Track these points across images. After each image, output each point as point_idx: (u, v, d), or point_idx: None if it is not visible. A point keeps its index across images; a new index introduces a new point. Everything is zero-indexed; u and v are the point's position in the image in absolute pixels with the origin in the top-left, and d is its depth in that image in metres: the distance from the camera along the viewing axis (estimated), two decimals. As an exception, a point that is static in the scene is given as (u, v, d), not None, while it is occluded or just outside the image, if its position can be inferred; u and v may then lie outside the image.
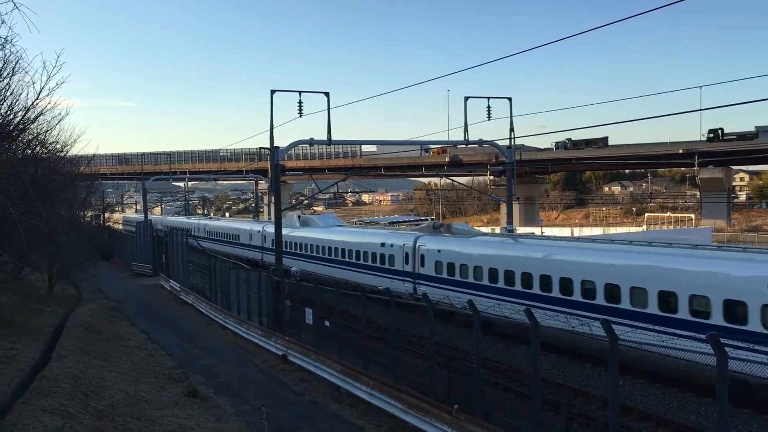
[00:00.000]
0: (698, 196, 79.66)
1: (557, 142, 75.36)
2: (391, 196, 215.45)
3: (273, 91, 28.59)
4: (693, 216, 76.70)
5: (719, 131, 66.07)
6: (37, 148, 25.01)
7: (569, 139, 73.21)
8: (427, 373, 16.73)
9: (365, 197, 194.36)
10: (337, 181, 47.93)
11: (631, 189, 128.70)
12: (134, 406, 15.04)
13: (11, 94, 17.74)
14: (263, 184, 74.99)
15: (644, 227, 72.77)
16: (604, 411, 14.49)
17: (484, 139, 33.66)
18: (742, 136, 65.15)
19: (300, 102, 28.99)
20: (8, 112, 18.23)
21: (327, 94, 29.09)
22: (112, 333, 26.85)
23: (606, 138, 72.60)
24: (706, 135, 65.94)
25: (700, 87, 57.36)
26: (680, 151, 65.46)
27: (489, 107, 31.87)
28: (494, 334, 23.42)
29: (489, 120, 32.01)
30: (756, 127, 62.59)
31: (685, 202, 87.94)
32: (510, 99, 32.54)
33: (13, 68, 16.26)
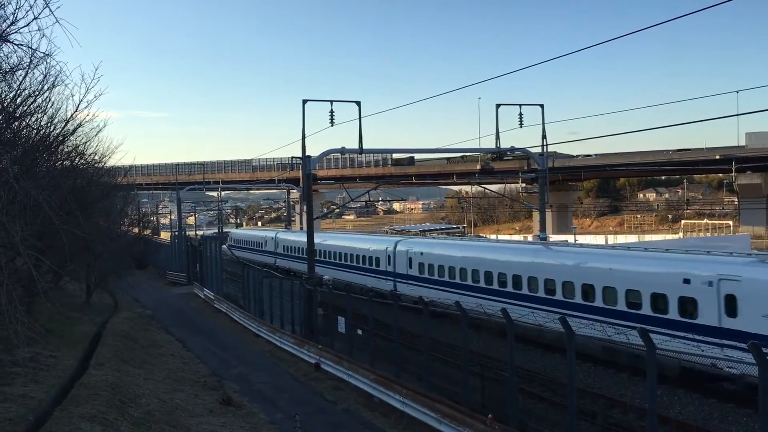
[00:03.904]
0: (736, 203, 78.13)
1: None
2: (423, 204, 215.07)
3: (305, 101, 28.84)
4: (731, 223, 75.18)
5: (507, 151, 74.55)
6: (76, 159, 25.53)
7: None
8: (460, 381, 16.63)
9: (396, 205, 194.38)
10: (369, 190, 47.99)
11: (667, 196, 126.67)
12: (170, 413, 15.19)
13: (51, 106, 18.15)
14: (295, 193, 75.44)
15: (681, 234, 71.56)
16: (641, 421, 14.25)
17: (516, 146, 33.45)
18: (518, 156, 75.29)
19: (332, 111, 29.17)
20: (49, 124, 18.66)
21: (358, 103, 29.25)
22: (147, 341, 27.20)
23: (412, 158, 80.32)
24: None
25: (737, 92, 56.30)
26: (717, 157, 64.28)
27: (521, 114, 31.71)
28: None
29: (521, 127, 31.84)
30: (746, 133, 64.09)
31: (723, 208, 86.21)
32: (542, 106, 32.35)
33: (54, 81, 16.62)
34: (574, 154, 77.35)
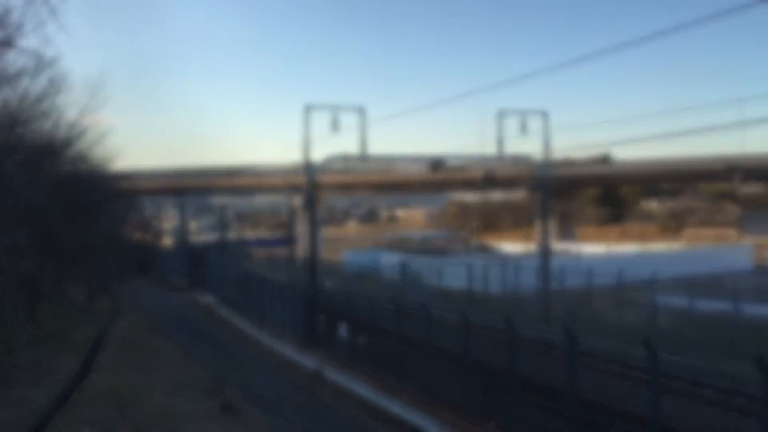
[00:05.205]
0: (739, 213, 78.13)
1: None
2: (425, 211, 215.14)
3: (308, 107, 28.92)
4: (734, 232, 75.11)
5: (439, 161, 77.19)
6: (80, 164, 25.61)
7: None
8: (463, 389, 16.58)
9: (399, 212, 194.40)
10: (371, 196, 48.00)
11: (670, 204, 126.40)
12: (170, 419, 15.18)
13: (56, 111, 18.22)
14: (298, 200, 75.58)
15: (684, 244, 71.52)
16: (643, 430, 14.19)
17: (519, 153, 33.52)
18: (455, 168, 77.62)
19: (335, 119, 29.24)
20: (53, 129, 18.73)
21: (362, 110, 29.34)
22: (149, 346, 27.18)
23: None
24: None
25: (741, 100, 56.34)
26: (721, 167, 64.29)
27: (524, 121, 31.75)
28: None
29: (524, 134, 31.87)
30: None
31: (726, 217, 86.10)
32: (545, 113, 32.40)
33: (59, 86, 16.70)
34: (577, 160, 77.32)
